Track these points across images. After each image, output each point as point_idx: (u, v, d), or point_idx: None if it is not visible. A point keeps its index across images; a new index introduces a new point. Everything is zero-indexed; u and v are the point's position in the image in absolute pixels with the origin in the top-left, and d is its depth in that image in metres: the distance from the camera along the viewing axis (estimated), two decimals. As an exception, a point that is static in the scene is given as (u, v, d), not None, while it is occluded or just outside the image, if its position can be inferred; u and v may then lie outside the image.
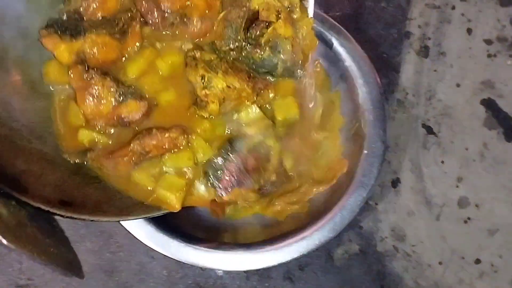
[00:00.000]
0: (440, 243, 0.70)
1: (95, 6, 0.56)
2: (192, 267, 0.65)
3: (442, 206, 0.71)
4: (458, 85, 0.76)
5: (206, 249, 0.57)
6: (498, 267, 0.69)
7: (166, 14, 0.56)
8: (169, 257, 0.57)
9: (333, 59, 0.64)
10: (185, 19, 0.56)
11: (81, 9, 0.56)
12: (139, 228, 0.57)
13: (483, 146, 0.74)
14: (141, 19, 0.56)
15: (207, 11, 0.56)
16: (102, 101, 0.53)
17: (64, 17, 0.56)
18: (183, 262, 0.57)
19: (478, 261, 0.69)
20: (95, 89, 0.53)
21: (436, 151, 0.73)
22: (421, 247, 0.69)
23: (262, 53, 0.56)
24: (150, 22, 0.56)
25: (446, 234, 0.70)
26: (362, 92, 0.63)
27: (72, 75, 0.54)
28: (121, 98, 0.54)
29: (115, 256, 0.66)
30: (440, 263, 0.69)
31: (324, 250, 0.68)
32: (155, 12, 0.56)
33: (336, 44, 0.64)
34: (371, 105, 0.62)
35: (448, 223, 0.70)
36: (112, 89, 0.53)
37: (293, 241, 0.58)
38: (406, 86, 0.76)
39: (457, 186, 0.72)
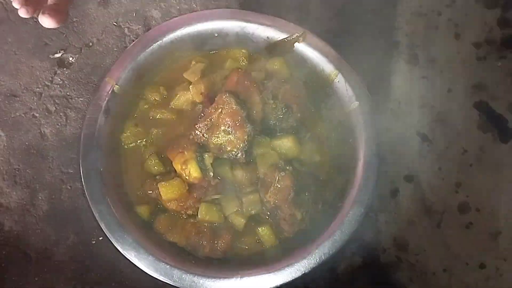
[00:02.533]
0: (443, 250, 0.70)
1: None
2: (197, 292, 0.66)
3: (443, 213, 0.71)
4: (449, 91, 0.76)
5: (208, 275, 0.58)
6: (503, 270, 0.69)
7: None
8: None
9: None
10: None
11: None
12: (140, 259, 0.58)
13: (479, 149, 0.74)
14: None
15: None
16: None
17: None
18: (187, 289, 0.58)
19: (482, 266, 0.69)
20: None
21: (432, 158, 0.73)
22: (425, 255, 0.69)
23: None
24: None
25: (449, 240, 0.70)
26: (353, 107, 0.64)
27: None
28: None
29: (121, 286, 0.67)
30: (444, 270, 0.69)
31: (328, 265, 0.68)
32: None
33: (324, 61, 0.65)
34: (362, 119, 0.63)
35: (449, 230, 0.70)
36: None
37: (295, 260, 0.58)
38: (398, 95, 0.76)
39: (456, 192, 0.72)
